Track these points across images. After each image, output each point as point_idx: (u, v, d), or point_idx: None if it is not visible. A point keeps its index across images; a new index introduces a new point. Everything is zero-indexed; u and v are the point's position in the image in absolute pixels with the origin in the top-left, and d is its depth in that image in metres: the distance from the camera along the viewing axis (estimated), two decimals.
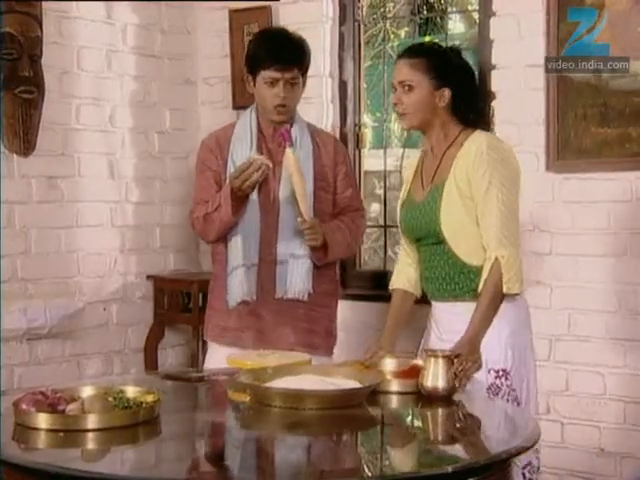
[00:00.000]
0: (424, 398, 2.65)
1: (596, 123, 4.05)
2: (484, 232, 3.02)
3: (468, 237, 3.05)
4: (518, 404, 3.03)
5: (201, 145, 3.65)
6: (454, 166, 3.06)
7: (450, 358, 2.66)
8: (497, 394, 3.00)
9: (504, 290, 2.99)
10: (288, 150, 3.32)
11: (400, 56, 3.19)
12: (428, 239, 3.14)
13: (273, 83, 3.41)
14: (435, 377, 2.62)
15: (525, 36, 4.18)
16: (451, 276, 3.10)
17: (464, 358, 2.78)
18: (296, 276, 3.43)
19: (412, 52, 3.17)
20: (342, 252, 3.58)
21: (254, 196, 3.41)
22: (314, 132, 3.60)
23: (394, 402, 2.72)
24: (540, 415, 3.84)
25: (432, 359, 2.64)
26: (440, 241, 3.09)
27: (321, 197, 3.51)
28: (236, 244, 3.44)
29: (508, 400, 3.00)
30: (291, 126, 3.49)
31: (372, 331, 4.53)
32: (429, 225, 3.10)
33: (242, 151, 3.47)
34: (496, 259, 2.98)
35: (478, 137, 3.08)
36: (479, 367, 2.87)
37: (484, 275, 3.01)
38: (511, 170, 3.07)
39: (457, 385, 2.67)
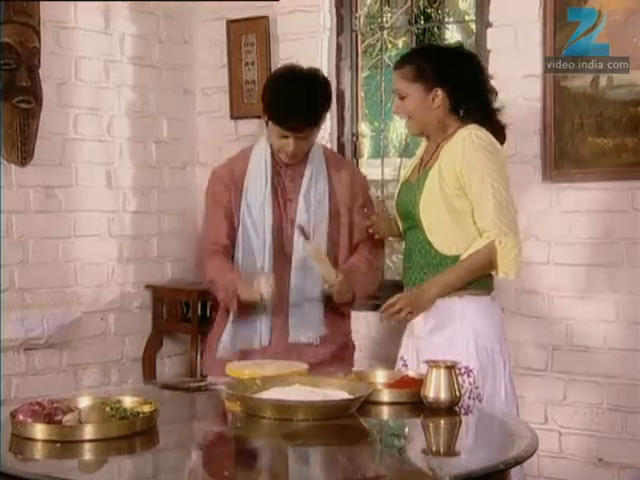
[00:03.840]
0: (424, 408, 2.64)
1: (593, 133, 4.07)
2: (480, 221, 3.06)
3: (442, 226, 3.10)
4: (480, 401, 3.05)
5: (213, 176, 3.47)
6: (441, 155, 3.12)
7: (453, 368, 2.65)
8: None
9: (500, 274, 3.06)
10: (305, 243, 3.24)
11: (394, 65, 3.27)
12: (409, 221, 3.20)
13: (284, 136, 3.29)
14: (437, 388, 2.61)
15: (522, 46, 4.19)
16: (422, 265, 3.16)
17: (402, 302, 3.06)
18: (311, 321, 3.35)
19: (402, 60, 3.24)
20: (367, 292, 3.45)
21: (267, 241, 3.34)
22: (331, 163, 3.45)
23: (388, 412, 2.70)
24: (537, 424, 3.84)
25: (434, 370, 2.62)
26: (417, 225, 3.14)
27: (339, 232, 3.41)
28: None
29: (470, 397, 3.01)
30: (305, 164, 3.39)
31: (369, 341, 4.53)
32: (410, 205, 3.16)
33: (256, 189, 3.36)
34: (493, 242, 3.02)
35: (466, 129, 3.11)
36: (411, 316, 3.13)
37: (473, 247, 3.05)
38: (499, 158, 3.11)
39: (380, 319, 2.74)
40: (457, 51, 3.26)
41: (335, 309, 3.40)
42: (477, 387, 3.07)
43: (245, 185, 3.38)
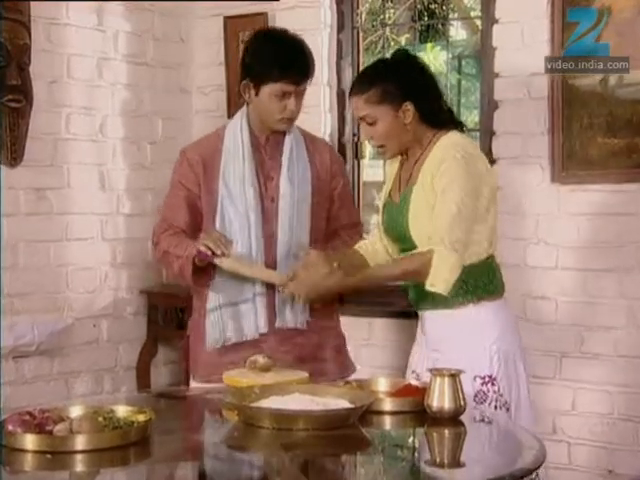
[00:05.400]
0: (428, 417, 2.59)
1: (602, 133, 4.01)
2: (433, 229, 2.93)
3: None
4: (507, 410, 2.99)
5: (181, 156, 3.38)
6: (422, 170, 3.02)
7: (457, 376, 2.59)
8: (484, 401, 2.96)
9: (427, 285, 2.92)
10: (218, 261, 3.13)
11: (352, 91, 3.14)
12: (404, 243, 3.09)
13: (284, 95, 3.21)
14: (441, 397, 2.56)
15: (529, 43, 4.13)
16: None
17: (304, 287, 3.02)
18: (295, 305, 3.26)
19: (362, 85, 3.09)
20: None
21: (252, 220, 3.25)
22: (308, 141, 3.42)
23: (390, 422, 2.66)
24: (545, 435, 3.77)
25: (438, 378, 2.58)
26: (412, 246, 3.03)
27: (317, 214, 3.35)
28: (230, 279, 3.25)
29: (496, 407, 2.97)
30: (284, 140, 3.32)
31: (366, 345, 4.45)
32: (401, 229, 3.07)
33: (235, 168, 3.28)
34: (434, 251, 2.89)
35: (446, 138, 3.02)
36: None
37: (414, 251, 2.95)
38: (474, 171, 2.97)
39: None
40: (409, 57, 3.13)
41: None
42: (502, 395, 2.99)
43: (222, 166, 3.28)
